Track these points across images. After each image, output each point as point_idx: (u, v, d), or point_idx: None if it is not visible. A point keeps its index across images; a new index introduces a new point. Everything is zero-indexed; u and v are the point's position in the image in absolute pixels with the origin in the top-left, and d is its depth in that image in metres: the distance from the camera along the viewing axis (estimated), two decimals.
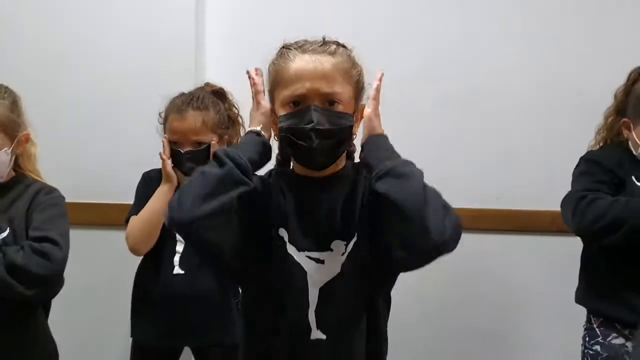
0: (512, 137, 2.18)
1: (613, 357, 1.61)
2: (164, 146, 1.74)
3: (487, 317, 2.23)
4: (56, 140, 2.04)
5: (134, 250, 1.75)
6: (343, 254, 1.16)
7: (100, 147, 2.17)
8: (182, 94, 1.78)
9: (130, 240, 1.73)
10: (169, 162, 1.73)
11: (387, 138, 1.17)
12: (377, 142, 1.16)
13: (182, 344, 1.82)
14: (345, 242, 1.16)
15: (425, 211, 0.99)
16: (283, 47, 1.19)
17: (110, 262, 2.11)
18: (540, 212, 2.15)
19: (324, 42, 1.16)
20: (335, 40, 1.19)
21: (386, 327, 1.23)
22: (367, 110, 1.18)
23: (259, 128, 1.18)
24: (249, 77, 1.22)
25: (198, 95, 1.75)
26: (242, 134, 1.78)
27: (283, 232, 1.17)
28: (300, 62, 1.13)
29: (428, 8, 2.22)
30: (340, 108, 1.15)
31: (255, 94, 1.21)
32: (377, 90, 1.19)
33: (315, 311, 1.14)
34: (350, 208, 1.17)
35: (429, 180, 1.06)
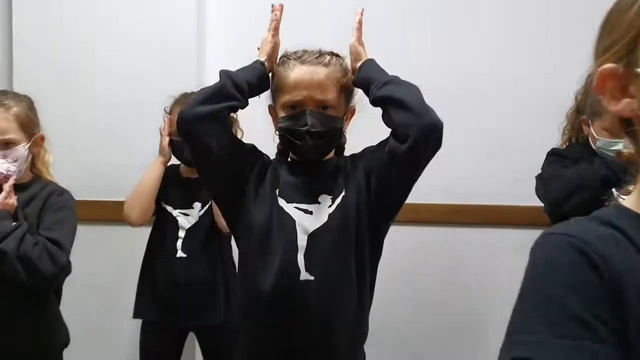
0: (491, 136, 2.28)
1: None
2: (165, 125, 1.98)
3: (468, 308, 2.32)
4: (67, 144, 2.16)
5: (127, 216, 1.95)
6: (330, 206, 1.34)
7: (108, 150, 2.31)
8: (186, 93, 1.95)
9: (125, 207, 1.94)
10: (166, 138, 1.96)
11: (376, 61, 1.40)
12: (372, 64, 1.39)
13: (182, 322, 1.99)
14: (331, 197, 1.35)
15: (423, 102, 1.28)
16: (284, 56, 1.39)
17: (120, 254, 2.26)
18: (518, 207, 2.25)
19: (320, 54, 1.37)
20: (330, 51, 1.39)
21: (373, 279, 1.41)
22: (352, 40, 1.43)
23: (263, 59, 1.39)
24: (273, 11, 1.44)
25: None
26: (237, 132, 1.95)
27: (275, 189, 1.37)
28: (298, 72, 1.34)
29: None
30: (331, 112, 1.36)
31: (274, 28, 1.43)
32: (359, 23, 1.43)
33: (304, 255, 1.31)
34: (336, 174, 1.38)
35: None
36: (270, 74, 1.41)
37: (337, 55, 1.39)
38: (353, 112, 1.44)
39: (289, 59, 1.37)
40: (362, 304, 1.37)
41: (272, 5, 1.44)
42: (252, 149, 1.44)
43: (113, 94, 2.29)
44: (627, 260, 0.52)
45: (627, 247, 0.55)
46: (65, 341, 1.76)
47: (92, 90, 2.30)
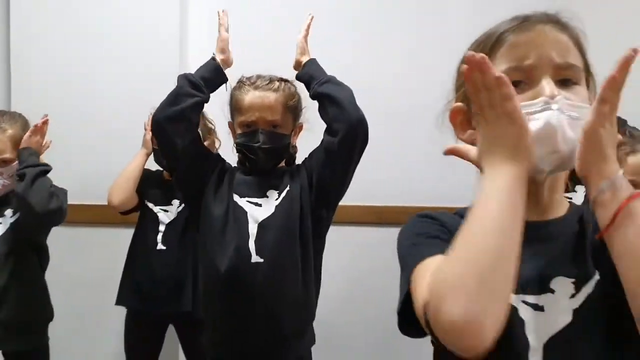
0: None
1: None
2: (149, 120, 2.15)
3: None
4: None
5: (109, 201, 2.16)
6: (276, 199, 1.58)
7: (98, 157, 2.48)
8: None
9: (108, 192, 2.16)
10: (149, 132, 2.17)
11: (317, 61, 1.67)
12: (314, 63, 1.66)
13: (157, 309, 2.18)
14: (278, 191, 1.59)
15: (354, 101, 1.55)
16: (240, 81, 1.63)
17: (110, 253, 2.43)
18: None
19: (270, 81, 1.61)
20: (279, 77, 1.63)
21: (319, 263, 1.65)
22: (299, 36, 1.70)
23: (215, 54, 1.65)
24: (219, 16, 1.70)
25: None
26: (215, 141, 2.22)
27: (231, 187, 1.61)
28: (252, 96, 1.59)
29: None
30: (281, 130, 1.62)
31: (220, 26, 1.68)
32: (308, 25, 1.72)
33: (255, 241, 1.54)
34: (283, 174, 1.62)
35: None
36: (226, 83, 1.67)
37: (286, 81, 1.63)
38: (301, 128, 1.69)
39: (244, 84, 1.60)
40: (306, 284, 1.58)
41: (218, 12, 1.71)
42: (216, 155, 1.69)
43: (104, 102, 2.49)
44: (458, 224, 0.74)
45: (459, 221, 0.76)
46: (49, 316, 2.02)
47: (83, 102, 2.49)
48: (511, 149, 0.72)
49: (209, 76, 1.61)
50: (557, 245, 0.81)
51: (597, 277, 0.79)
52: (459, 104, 0.84)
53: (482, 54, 0.72)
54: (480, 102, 0.73)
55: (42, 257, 1.99)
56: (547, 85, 0.76)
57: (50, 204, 1.79)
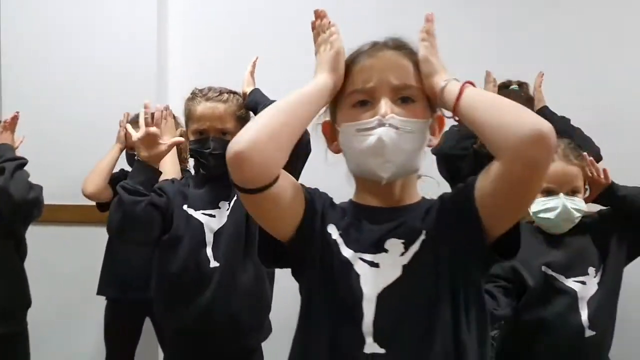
0: None
1: None
2: (124, 119, 2.42)
3: None
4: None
5: (83, 191, 2.37)
6: (227, 209, 1.78)
7: (81, 156, 2.61)
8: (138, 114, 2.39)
9: (82, 183, 2.38)
10: (123, 129, 2.41)
11: (261, 90, 1.88)
12: (258, 92, 1.86)
13: (131, 296, 2.41)
14: (228, 202, 1.79)
15: None
16: (193, 92, 1.84)
17: (89, 250, 2.64)
18: None
19: (220, 93, 1.82)
20: (228, 89, 1.84)
21: None
22: (246, 72, 1.97)
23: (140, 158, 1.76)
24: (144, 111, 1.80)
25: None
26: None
27: (185, 202, 1.81)
28: (203, 107, 1.79)
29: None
30: (230, 138, 1.75)
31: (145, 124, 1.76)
32: (254, 63, 1.99)
33: (212, 248, 1.77)
34: (230, 184, 1.83)
35: None
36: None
37: (235, 93, 1.85)
38: None
39: (197, 95, 1.82)
40: (259, 280, 1.79)
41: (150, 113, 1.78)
42: (172, 189, 1.81)
43: (86, 104, 2.73)
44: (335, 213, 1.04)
45: (338, 207, 1.06)
46: (27, 303, 2.20)
47: (66, 103, 2.74)
48: (327, 66, 1.04)
49: (143, 179, 1.72)
50: (403, 218, 1.03)
51: (422, 237, 1.00)
52: (327, 119, 1.08)
53: (322, 9, 1.12)
54: (319, 40, 1.09)
55: (20, 248, 2.17)
56: (384, 105, 0.98)
57: (29, 194, 1.99)
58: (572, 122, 2.30)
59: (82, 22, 2.79)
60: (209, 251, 1.78)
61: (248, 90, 1.89)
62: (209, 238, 1.78)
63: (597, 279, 1.64)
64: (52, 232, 2.58)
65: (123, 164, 2.51)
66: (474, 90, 0.96)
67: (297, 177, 1.75)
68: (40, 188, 2.08)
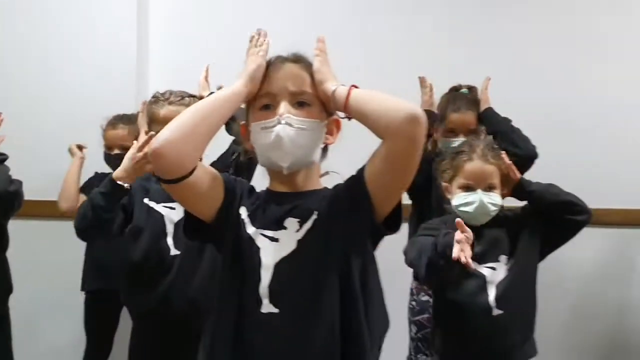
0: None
1: (422, 310, 2.40)
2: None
3: None
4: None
5: (59, 206, 2.54)
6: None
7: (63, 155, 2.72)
8: (116, 115, 2.60)
9: (58, 199, 2.56)
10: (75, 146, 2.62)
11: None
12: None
13: (109, 286, 2.50)
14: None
15: None
16: (154, 96, 2.05)
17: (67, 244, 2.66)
18: None
19: (182, 97, 2.03)
20: (189, 94, 2.06)
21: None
22: (200, 77, 2.29)
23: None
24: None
25: (128, 116, 2.60)
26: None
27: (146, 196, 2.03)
28: (166, 110, 2.00)
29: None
30: None
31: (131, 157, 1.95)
32: (206, 69, 2.26)
33: (172, 238, 1.98)
34: None
35: None
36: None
37: (194, 96, 2.07)
38: None
39: (159, 99, 2.03)
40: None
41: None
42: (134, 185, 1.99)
43: (67, 109, 2.86)
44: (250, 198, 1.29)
45: (255, 193, 1.29)
46: (9, 288, 2.35)
47: (50, 109, 2.88)
48: (246, 75, 1.23)
49: (115, 198, 1.93)
50: (302, 201, 1.25)
51: (314, 216, 1.22)
52: (244, 121, 1.31)
53: (263, 30, 1.30)
54: (250, 51, 1.27)
55: (2, 239, 2.32)
56: (282, 107, 1.21)
57: (10, 187, 2.15)
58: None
59: (62, 21, 2.92)
60: (169, 241, 2.00)
61: (205, 93, 2.12)
62: (170, 228, 2.00)
63: (507, 266, 1.84)
64: (34, 226, 2.74)
65: (100, 166, 2.64)
66: (358, 90, 1.18)
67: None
68: (20, 182, 2.24)
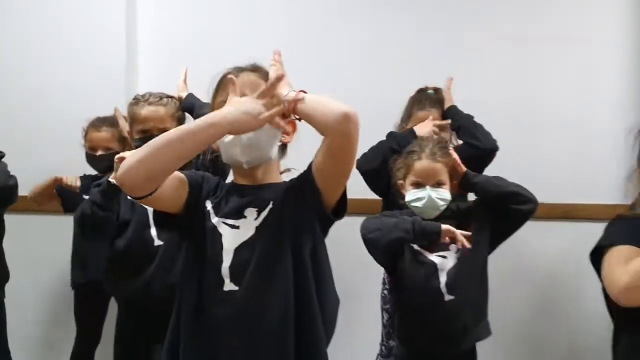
0: None
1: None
2: None
3: None
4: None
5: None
6: None
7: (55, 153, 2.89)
8: (98, 117, 2.70)
9: None
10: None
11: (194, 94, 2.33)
12: (192, 96, 2.35)
13: (95, 278, 2.66)
14: None
15: None
16: (135, 98, 2.23)
17: (59, 237, 2.81)
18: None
19: (160, 98, 2.21)
20: (167, 95, 2.23)
21: None
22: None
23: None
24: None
25: (111, 118, 2.72)
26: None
27: None
28: (147, 110, 2.19)
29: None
30: None
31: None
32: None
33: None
34: None
35: None
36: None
37: (172, 97, 2.25)
38: None
39: (140, 100, 2.21)
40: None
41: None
42: None
43: (57, 101, 2.96)
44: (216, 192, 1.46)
45: (221, 186, 1.47)
46: (5, 276, 2.48)
47: (39, 109, 2.98)
48: (229, 121, 1.29)
49: (110, 196, 2.11)
50: (261, 193, 1.42)
51: (270, 206, 1.41)
52: None
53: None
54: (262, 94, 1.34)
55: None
56: None
57: (9, 181, 2.29)
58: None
59: (61, 21, 3.00)
60: (153, 232, 2.17)
61: (183, 95, 2.30)
62: (150, 220, 2.16)
63: (457, 255, 2.00)
64: (29, 220, 2.87)
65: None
66: (305, 95, 1.35)
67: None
68: (15, 177, 2.38)
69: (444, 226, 1.90)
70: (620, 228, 1.47)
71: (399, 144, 2.34)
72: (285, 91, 1.36)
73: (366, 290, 2.75)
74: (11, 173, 2.39)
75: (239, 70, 1.45)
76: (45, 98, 3.01)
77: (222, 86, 1.44)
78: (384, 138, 2.50)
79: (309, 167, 1.39)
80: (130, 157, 1.30)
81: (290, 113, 1.36)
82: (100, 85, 2.95)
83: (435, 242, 1.94)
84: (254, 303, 1.35)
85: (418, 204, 2.02)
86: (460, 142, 2.49)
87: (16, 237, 2.57)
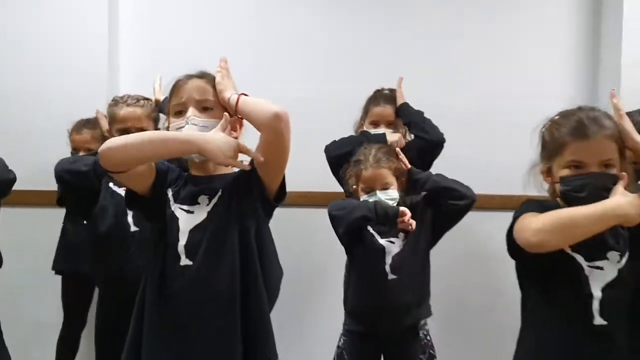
0: None
1: None
2: None
3: None
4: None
5: None
6: None
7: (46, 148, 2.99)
8: (81, 120, 2.93)
9: None
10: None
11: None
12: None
13: (83, 269, 2.80)
14: None
15: None
16: (114, 99, 2.46)
17: (50, 230, 3.02)
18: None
19: (137, 100, 2.44)
20: (144, 97, 2.46)
21: None
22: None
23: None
24: None
25: (92, 121, 2.95)
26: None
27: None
28: (125, 111, 2.42)
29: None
30: None
31: None
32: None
33: (132, 215, 2.39)
34: None
35: None
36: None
37: (148, 99, 2.49)
38: None
39: (119, 102, 2.45)
40: None
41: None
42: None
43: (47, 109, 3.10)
44: (177, 181, 1.75)
45: (181, 177, 1.77)
46: None
47: (20, 111, 3.12)
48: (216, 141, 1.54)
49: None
50: (213, 183, 1.68)
51: (219, 193, 1.65)
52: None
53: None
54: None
55: None
56: (189, 112, 1.64)
57: (9, 175, 2.43)
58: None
59: (37, 22, 3.13)
60: (129, 219, 2.41)
61: (160, 97, 2.53)
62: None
63: (404, 242, 2.27)
64: (21, 213, 3.04)
65: None
66: (245, 97, 1.61)
67: None
68: (14, 172, 2.49)
69: (402, 208, 2.14)
70: (529, 205, 1.64)
71: (368, 140, 2.57)
72: (229, 94, 1.62)
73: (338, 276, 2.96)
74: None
75: (188, 77, 1.70)
76: (27, 100, 3.14)
77: (175, 92, 1.69)
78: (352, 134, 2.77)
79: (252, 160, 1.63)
80: (118, 138, 1.53)
81: (234, 113, 1.61)
82: (83, 86, 3.11)
83: (393, 223, 2.16)
84: (205, 274, 1.61)
85: None
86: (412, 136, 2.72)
87: (9, 229, 2.72)
